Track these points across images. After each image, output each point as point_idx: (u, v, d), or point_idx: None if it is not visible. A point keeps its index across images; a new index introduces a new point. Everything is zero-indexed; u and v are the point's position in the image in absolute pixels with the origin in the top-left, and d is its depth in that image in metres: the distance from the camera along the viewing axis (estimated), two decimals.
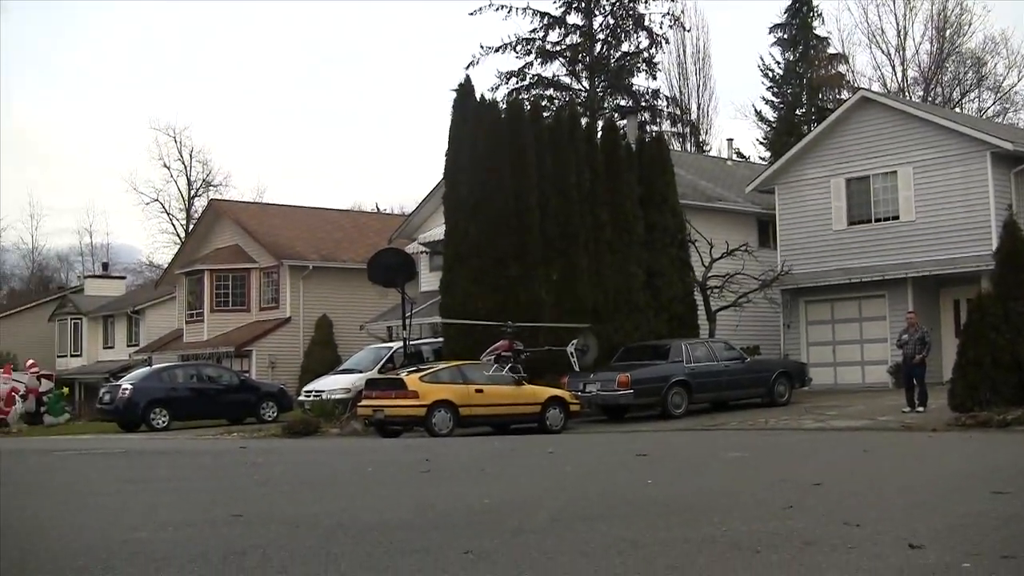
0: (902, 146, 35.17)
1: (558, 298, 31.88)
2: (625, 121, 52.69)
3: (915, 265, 34.13)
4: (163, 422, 36.10)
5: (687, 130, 68.76)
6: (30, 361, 51.49)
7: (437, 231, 39.09)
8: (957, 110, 58.67)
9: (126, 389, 36.74)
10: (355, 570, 6.80)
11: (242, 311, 51.17)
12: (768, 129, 68.95)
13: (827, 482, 11.58)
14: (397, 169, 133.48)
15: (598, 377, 29.41)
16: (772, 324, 38.52)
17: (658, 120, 62.90)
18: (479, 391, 27.46)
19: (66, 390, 51.36)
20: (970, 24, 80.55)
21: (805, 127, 60.87)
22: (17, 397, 45.79)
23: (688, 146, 67.16)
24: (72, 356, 66.11)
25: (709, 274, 35.61)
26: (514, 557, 7.17)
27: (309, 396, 35.42)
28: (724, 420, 27.64)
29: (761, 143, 69.57)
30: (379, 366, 35.31)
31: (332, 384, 35.60)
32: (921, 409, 26.00)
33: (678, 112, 66.59)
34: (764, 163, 54.16)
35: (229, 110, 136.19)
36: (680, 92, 69.59)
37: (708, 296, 35.74)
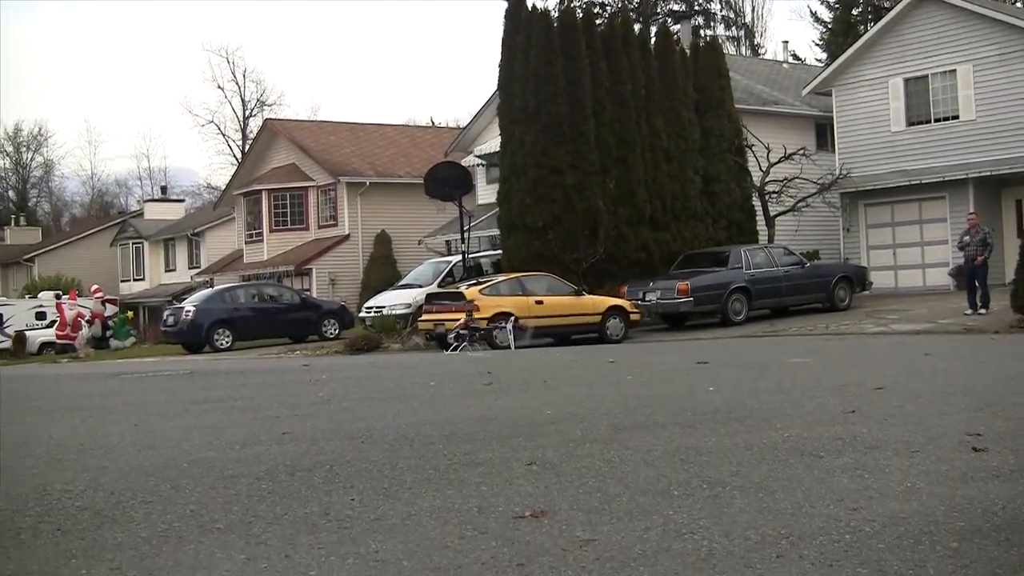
0: (961, 44, 34.60)
1: (615, 207, 31.79)
2: (678, 26, 52.17)
3: (975, 165, 33.69)
4: (226, 342, 36.50)
5: (741, 33, 68.04)
6: (94, 286, 52.04)
7: (492, 143, 39.01)
8: (1019, 5, 57.51)
9: (189, 311, 37.13)
10: (421, 483, 6.88)
11: (301, 230, 51.41)
12: (824, 30, 67.99)
13: (889, 386, 11.56)
14: (451, 82, 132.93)
15: (658, 285, 29.39)
16: (831, 228, 38.25)
17: (712, 24, 62.30)
18: (539, 302, 27.53)
19: (130, 314, 52.02)
20: None
21: (862, 27, 59.98)
22: (83, 322, 46.41)
23: (743, 50, 66.44)
24: (135, 280, 66.76)
25: (767, 179, 35.33)
26: (578, 467, 7.22)
27: (370, 312, 35.64)
28: (784, 326, 27.58)
29: (817, 44, 68.73)
30: (439, 280, 35.48)
31: (392, 300, 35.80)
32: (983, 311, 25.81)
33: (732, 15, 65.90)
34: (820, 65, 53.51)
35: (280, 28, 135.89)
36: None
37: (766, 201, 35.49)
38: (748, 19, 69.08)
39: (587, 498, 6.24)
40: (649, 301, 29.24)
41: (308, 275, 49.00)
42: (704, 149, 34.39)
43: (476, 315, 26.84)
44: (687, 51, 35.86)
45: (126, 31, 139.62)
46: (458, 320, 26.86)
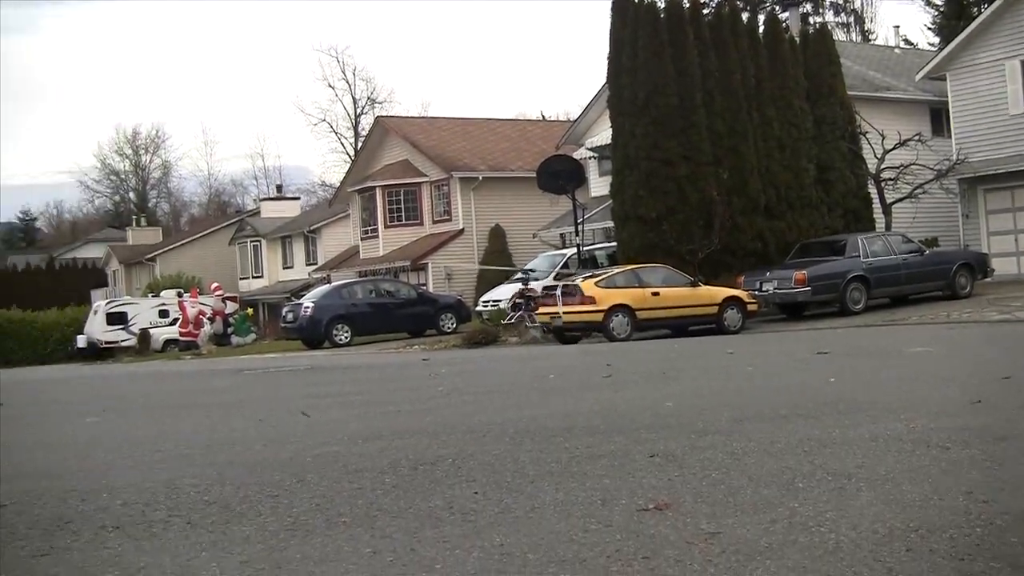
0: None
1: (729, 197, 31.53)
2: (787, 14, 51.57)
3: None
4: (345, 338, 36.86)
5: (851, 19, 67.02)
6: (215, 284, 52.99)
7: (604, 135, 38.92)
8: None
9: (308, 307, 37.55)
10: (543, 476, 6.87)
11: (415, 225, 51.71)
12: (936, 13, 66.64)
13: (1016, 375, 11.31)
14: (560, 76, 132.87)
15: (775, 275, 29.11)
16: (950, 215, 37.57)
17: (821, 11, 61.46)
18: (655, 294, 27.41)
19: (250, 311, 52.80)
20: None
21: (975, 9, 58.70)
22: (205, 320, 47.23)
23: (853, 35, 65.46)
24: (254, 277, 67.67)
25: (882, 166, 34.78)
26: (700, 459, 7.16)
27: (486, 306, 35.77)
28: (904, 315, 27.14)
29: (929, 28, 67.37)
30: (554, 273, 35.47)
31: (509, 293, 35.86)
32: None
33: (841, 1, 64.84)
34: (933, 49, 52.50)
35: (388, 27, 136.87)
36: None
37: (882, 188, 34.93)
38: (857, 4, 68.02)
39: (711, 490, 6.18)
40: (766, 291, 28.96)
41: (424, 270, 49.27)
42: (817, 137, 33.96)
43: (551, 311, 26.90)
44: (796, 39, 35.42)
45: (238, 33, 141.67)
46: (577, 312, 26.89)
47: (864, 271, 28.96)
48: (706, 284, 28.63)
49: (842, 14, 64.66)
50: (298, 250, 64.75)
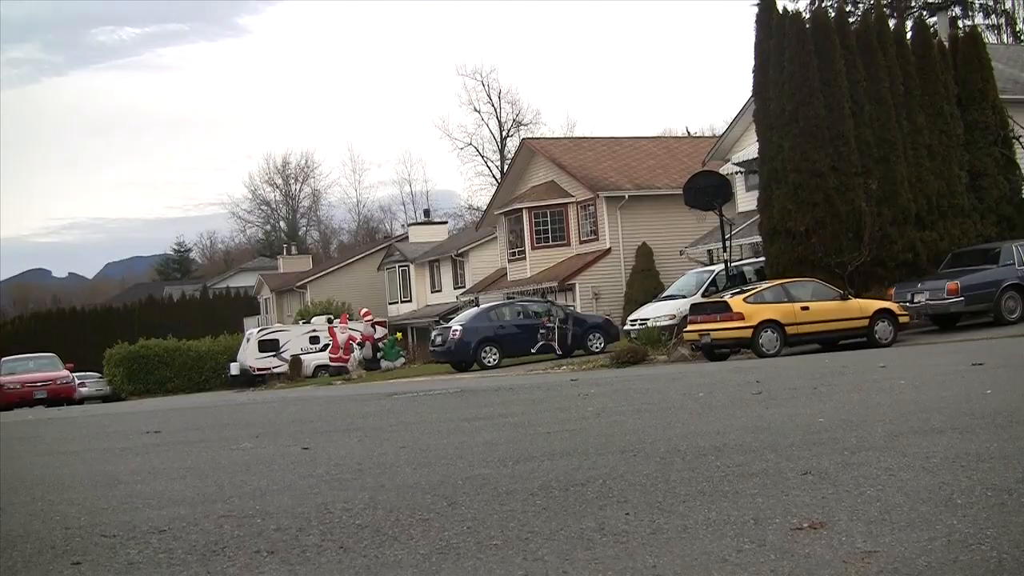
0: None
1: (879, 207, 31.03)
2: (935, 19, 50.60)
3: None
4: (494, 360, 37.06)
5: (1001, 20, 65.44)
6: (364, 309, 53.71)
7: (750, 150, 38.60)
8: None
9: (456, 330, 37.85)
10: (694, 496, 6.82)
11: (562, 246, 51.81)
12: None
13: None
14: (705, 91, 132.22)
15: (926, 286, 28.58)
16: None
17: (969, 13, 60.24)
18: (805, 308, 27.11)
19: (399, 335, 53.38)
20: None
21: None
22: (355, 345, 47.84)
23: (1004, 37, 63.95)
24: (402, 302, 68.40)
25: None
26: (854, 476, 7.04)
27: (634, 325, 35.69)
28: None
29: None
30: (702, 290, 35.29)
31: (656, 311, 35.77)
32: None
33: (991, 3, 63.43)
34: None
35: (532, 49, 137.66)
36: None
37: None
38: (1008, 5, 66.39)
39: (866, 508, 6.07)
40: (918, 303, 28.44)
41: (571, 290, 49.34)
42: (968, 143, 33.28)
43: (700, 328, 26.75)
44: (945, 43, 34.79)
45: (384, 60, 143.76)
46: (726, 328, 26.74)
47: (1019, 279, 28.28)
48: (856, 297, 28.23)
49: (992, 16, 63.29)
50: (446, 274, 65.30)
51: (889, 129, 31.80)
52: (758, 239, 35.76)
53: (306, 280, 75.56)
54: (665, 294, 38.73)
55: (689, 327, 28.56)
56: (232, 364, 56.75)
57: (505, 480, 7.98)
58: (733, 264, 35.94)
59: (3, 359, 47.07)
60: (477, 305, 47.46)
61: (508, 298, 48.61)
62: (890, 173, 31.50)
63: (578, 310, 44.67)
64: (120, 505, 8.13)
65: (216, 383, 59.10)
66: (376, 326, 51.65)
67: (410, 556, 5.72)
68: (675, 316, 33.94)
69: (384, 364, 47.61)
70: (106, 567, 5.97)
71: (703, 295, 34.11)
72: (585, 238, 51.23)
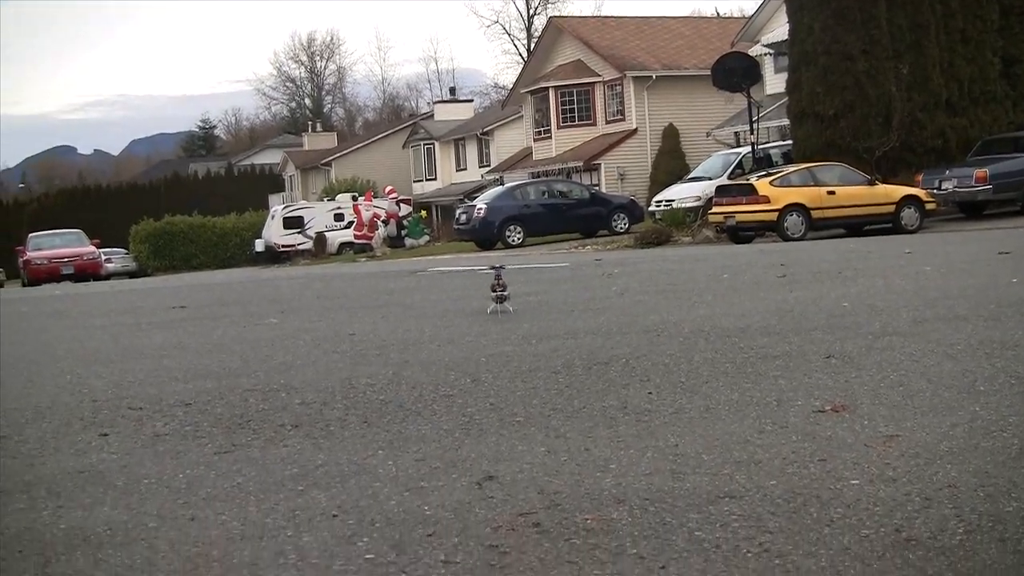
0: None
1: (909, 92, 30.67)
2: None
3: None
4: (518, 239, 37.05)
5: None
6: (389, 188, 53.69)
7: (780, 31, 38.13)
8: None
9: (481, 209, 37.80)
10: (717, 376, 6.83)
11: (588, 125, 51.52)
12: None
13: None
14: None
15: (954, 173, 28.33)
16: None
17: None
18: (831, 193, 26.95)
19: (424, 213, 53.33)
20: None
21: None
22: (379, 222, 47.91)
23: None
24: (427, 180, 68.26)
25: None
26: (878, 360, 7.03)
27: (659, 206, 35.60)
28: None
29: None
30: (728, 172, 35.09)
31: (682, 193, 35.65)
32: None
33: None
34: None
35: None
36: None
37: None
38: None
39: (889, 393, 6.07)
40: (945, 190, 28.22)
41: (597, 170, 49.16)
42: (1003, 29, 32.69)
43: (725, 210, 26.70)
44: None
45: None
46: (751, 211, 26.66)
47: None
48: (883, 183, 28.02)
49: None
50: (471, 152, 65.06)
51: (922, 12, 31.28)
52: (786, 122, 35.49)
53: (331, 157, 75.39)
54: (691, 176, 38.55)
55: (714, 209, 28.46)
56: (257, 241, 56.86)
57: (528, 358, 8.01)
58: (760, 147, 35.70)
59: (30, 235, 47.23)
60: (502, 184, 47.33)
61: (533, 177, 48.48)
62: (921, 58, 31.06)
63: (603, 190, 44.54)
64: (146, 378, 8.20)
65: (241, 260, 59.27)
66: (401, 204, 51.66)
67: (433, 431, 5.76)
68: (700, 198, 33.79)
69: (408, 242, 47.67)
70: (133, 438, 6.03)
71: (729, 177, 33.93)
72: (611, 118, 50.92)
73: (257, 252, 56.05)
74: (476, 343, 9.09)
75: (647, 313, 10.55)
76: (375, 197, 52.68)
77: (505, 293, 11.09)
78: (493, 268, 11.38)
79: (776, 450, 4.90)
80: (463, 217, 38.83)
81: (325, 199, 61.01)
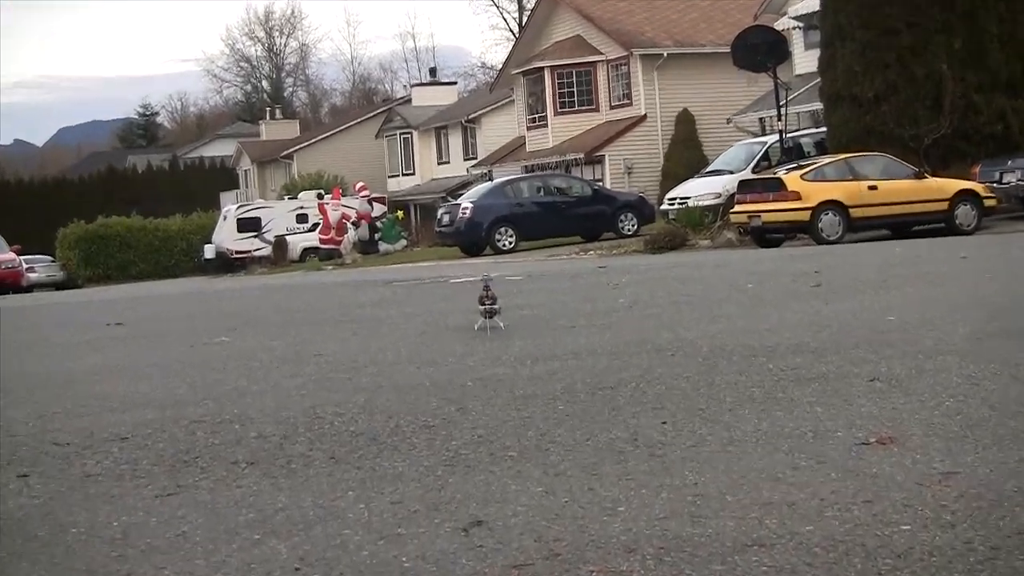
0: None
1: (963, 71, 30.65)
2: None
3: None
4: (510, 243, 37.01)
5: None
6: (359, 184, 53.60)
7: (810, 2, 38.16)
8: None
9: (466, 208, 37.77)
10: (742, 403, 6.80)
11: (590, 111, 51.53)
12: None
13: None
14: None
15: (1017, 164, 28.30)
16: None
17: None
18: (872, 188, 26.92)
19: (400, 213, 53.27)
20: None
21: None
22: (349, 225, 47.89)
23: None
24: (404, 175, 68.21)
25: None
26: (931, 384, 7.00)
27: (673, 204, 35.57)
28: None
29: None
30: (752, 165, 35.07)
31: (699, 189, 35.60)
32: None
33: None
34: None
35: None
36: None
37: None
38: None
39: (944, 422, 6.04)
40: (1007, 183, 28.18)
41: (600, 163, 49.13)
42: None
43: (749, 209, 26.68)
44: None
45: None
46: (779, 210, 26.64)
47: None
48: (933, 176, 28.01)
49: None
50: (455, 143, 65.05)
51: None
52: (818, 106, 35.48)
53: (293, 149, 75.33)
54: (709, 169, 38.53)
55: (737, 207, 28.43)
56: (206, 246, 56.73)
57: (523, 382, 7.98)
58: (789, 135, 35.70)
59: None
60: (491, 179, 47.25)
61: (527, 171, 48.47)
62: (977, 30, 31.01)
63: (607, 186, 44.55)
64: (76, 408, 8.16)
65: (188, 268, 59.13)
66: (373, 203, 51.63)
67: (412, 468, 5.72)
68: (720, 195, 33.75)
69: (383, 247, 47.65)
70: (58, 479, 5.99)
71: (753, 171, 33.90)
72: (616, 103, 50.92)
73: (206, 259, 55.96)
74: (462, 365, 9.06)
75: (660, 329, 10.52)
76: (344, 195, 52.62)
77: (495, 307, 11.05)
78: (481, 277, 11.35)
79: (812, 490, 4.87)
80: (446, 218, 38.81)
81: (286, 197, 60.96)
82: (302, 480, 5.63)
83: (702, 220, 32.18)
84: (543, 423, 6.59)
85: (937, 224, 27.09)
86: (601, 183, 44.86)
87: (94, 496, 5.57)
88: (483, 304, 11.07)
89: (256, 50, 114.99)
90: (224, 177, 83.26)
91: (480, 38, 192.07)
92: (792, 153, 34.13)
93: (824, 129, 33.82)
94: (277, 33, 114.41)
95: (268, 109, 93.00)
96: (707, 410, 6.68)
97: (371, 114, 77.82)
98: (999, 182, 28.04)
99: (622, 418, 6.60)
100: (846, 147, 29.87)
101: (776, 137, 35.38)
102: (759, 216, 27.08)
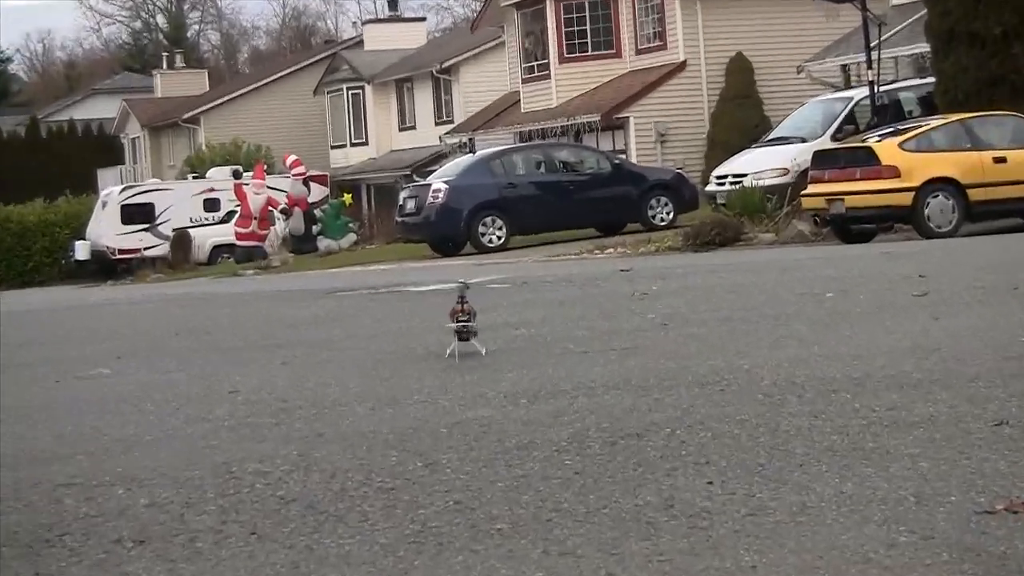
0: None
1: None
2: None
3: None
4: (498, 237, 37.07)
5: None
6: (292, 158, 53.50)
7: None
8: None
9: (439, 191, 37.82)
10: (818, 456, 6.80)
11: (608, 57, 51.61)
12: None
13: None
14: None
15: None
16: None
17: None
18: (999, 160, 26.97)
19: (348, 198, 53.25)
20: None
21: None
22: (277, 214, 47.91)
23: None
24: (353, 145, 68.20)
25: None
26: None
27: (723, 184, 35.64)
28: None
29: None
30: (832, 130, 35.16)
31: (758, 163, 35.67)
32: None
33: None
34: None
35: None
36: None
37: None
38: None
39: None
40: None
41: (623, 128, 49.19)
42: None
43: (828, 191, 26.74)
44: None
45: None
46: (870, 192, 26.65)
47: None
48: None
49: None
50: (423, 101, 65.10)
51: None
52: (924, 48, 35.57)
53: (199, 110, 75.40)
54: (772, 136, 38.60)
55: (811, 188, 28.49)
56: (78, 243, 56.74)
57: (516, 427, 7.98)
58: (883, 88, 35.79)
59: None
60: (472, 151, 47.27)
61: (522, 141, 48.52)
62: None
63: (633, 160, 44.60)
64: None
65: (52, 273, 59.17)
66: (311, 184, 51.67)
67: (364, 548, 5.72)
68: (788, 171, 33.85)
69: (324, 244, 47.67)
70: None
71: (834, 137, 34.00)
72: (645, 46, 51.01)
73: (78, 260, 56.01)
74: (432, 405, 9.07)
75: (704, 354, 10.54)
76: (270, 173, 52.71)
77: (471, 324, 11.02)
78: (455, 285, 11.35)
79: (918, 573, 4.88)
80: (411, 204, 38.85)
81: (189, 176, 61.03)
82: (211, 563, 5.64)
83: (763, 206, 32.26)
84: (543, 485, 6.60)
85: None
86: (624, 156, 44.92)
87: None
88: (456, 321, 11.06)
89: None
90: (103, 148, 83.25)
91: None
92: (887, 113, 34.23)
93: (931, 80, 33.89)
94: None
95: (165, 55, 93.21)
96: (769, 466, 6.69)
97: (308, 61, 78.02)
98: None
99: (652, 477, 6.61)
100: (963, 104, 29.93)
101: (865, 91, 35.45)
102: (842, 200, 27.14)
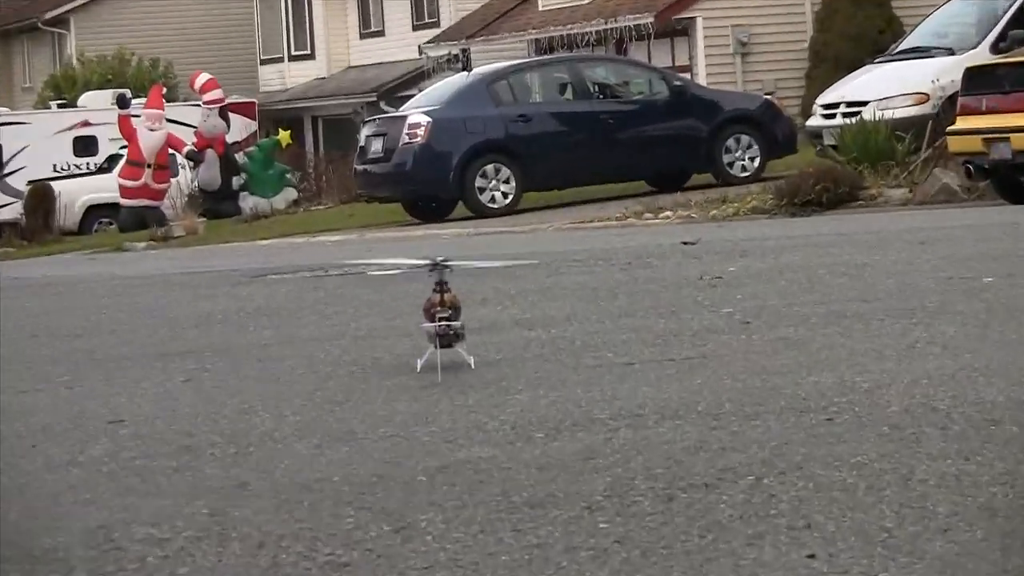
0: None
1: None
2: None
3: None
4: (504, 195, 37.04)
5: None
6: (203, 78, 53.32)
7: None
8: None
9: (418, 126, 37.78)
10: (971, 517, 6.80)
11: None
12: None
13: None
14: None
15: None
16: None
17: None
18: None
19: (285, 135, 53.14)
20: None
21: None
22: (180, 157, 47.89)
23: None
24: (293, 60, 68.33)
25: None
26: None
27: (832, 117, 35.67)
28: None
29: None
30: (992, 37, 35.17)
31: (884, 87, 35.72)
32: None
33: None
34: None
35: None
36: None
37: None
38: None
39: None
40: None
41: (687, 36, 49.28)
42: None
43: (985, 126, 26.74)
44: None
45: None
46: None
47: None
48: None
49: None
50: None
51: None
52: None
53: (69, 7, 75.47)
54: (902, 48, 38.59)
55: (960, 123, 28.49)
56: None
57: (528, 475, 7.98)
58: None
59: None
60: (467, 69, 47.23)
61: (538, 54, 48.56)
62: None
63: (702, 82, 44.64)
64: None
65: None
66: (232, 115, 51.62)
67: None
68: (928, 97, 33.86)
69: (250, 203, 47.64)
70: None
71: (995, 48, 34.01)
72: None
73: None
74: (405, 441, 9.09)
75: (804, 368, 10.56)
76: (171, 100, 52.72)
77: (455, 324, 10.92)
78: (428, 264, 11.22)
79: None
80: (377, 145, 38.82)
81: (53, 104, 61.10)
82: None
83: (891, 149, 32.25)
84: (567, 559, 6.58)
85: None
86: (689, 76, 44.97)
87: None
88: (434, 319, 10.90)
89: None
90: None
91: None
92: None
93: None
94: None
95: None
96: (898, 532, 6.68)
97: None
98: None
99: (728, 548, 6.60)
100: None
101: None
102: (1007, 139, 27.11)
